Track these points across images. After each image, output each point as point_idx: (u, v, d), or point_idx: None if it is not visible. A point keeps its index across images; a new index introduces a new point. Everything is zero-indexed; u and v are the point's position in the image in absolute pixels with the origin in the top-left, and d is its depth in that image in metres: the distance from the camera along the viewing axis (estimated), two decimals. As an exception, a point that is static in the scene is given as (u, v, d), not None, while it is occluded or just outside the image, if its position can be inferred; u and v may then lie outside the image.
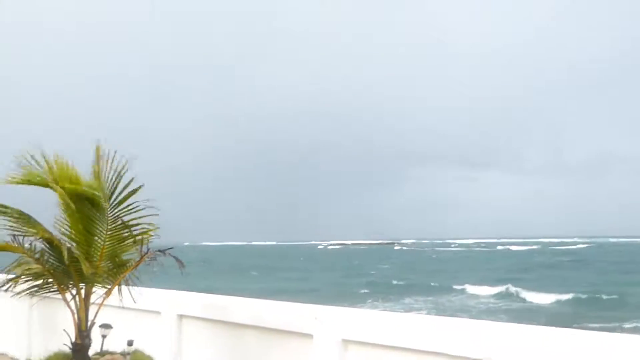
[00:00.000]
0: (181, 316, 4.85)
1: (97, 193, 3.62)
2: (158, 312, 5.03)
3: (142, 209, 3.74)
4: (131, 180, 3.69)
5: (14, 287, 3.55)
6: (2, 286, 3.53)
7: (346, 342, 3.62)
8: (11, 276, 3.59)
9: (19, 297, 3.62)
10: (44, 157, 3.65)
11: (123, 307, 5.02)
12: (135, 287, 4.88)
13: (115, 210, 3.73)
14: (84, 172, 3.76)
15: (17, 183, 3.62)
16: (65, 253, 3.31)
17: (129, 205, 3.74)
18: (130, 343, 3.80)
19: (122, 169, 3.67)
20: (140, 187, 3.69)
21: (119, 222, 3.74)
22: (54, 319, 6.05)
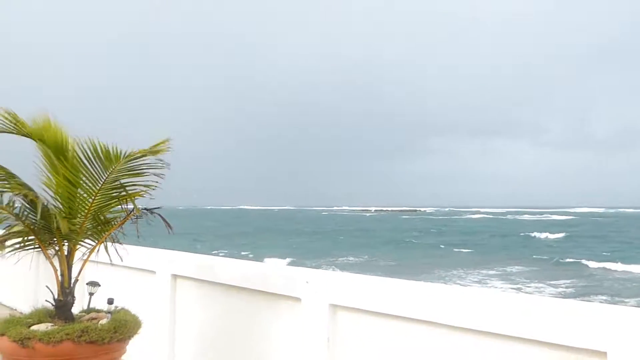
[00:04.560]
0: (175, 276, 4.78)
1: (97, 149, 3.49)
2: (153, 272, 4.97)
3: (145, 175, 3.63)
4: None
5: (1, 250, 3.46)
6: None
7: (334, 307, 3.48)
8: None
9: (4, 256, 3.54)
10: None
11: (119, 266, 4.97)
12: (132, 246, 4.83)
13: (115, 172, 3.59)
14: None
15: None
16: (39, 208, 3.19)
17: (131, 168, 3.61)
18: (110, 301, 3.71)
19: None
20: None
21: (116, 182, 3.61)
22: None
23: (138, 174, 3.53)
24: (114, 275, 5.25)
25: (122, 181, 3.54)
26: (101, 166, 3.48)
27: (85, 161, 3.47)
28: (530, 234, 62.84)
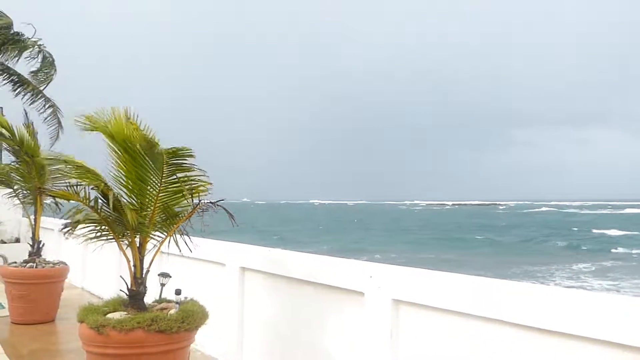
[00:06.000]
0: (244, 268, 4.87)
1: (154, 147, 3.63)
2: (223, 264, 5.09)
3: (195, 170, 3.77)
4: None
5: (72, 231, 3.67)
6: (63, 229, 3.68)
7: (397, 302, 3.40)
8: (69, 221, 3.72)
9: (79, 243, 3.76)
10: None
11: (191, 258, 5.15)
12: (202, 239, 4.98)
13: (171, 166, 3.73)
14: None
15: (89, 129, 3.73)
16: (111, 199, 3.35)
17: (183, 163, 3.74)
18: (178, 292, 3.84)
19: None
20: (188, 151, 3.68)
21: (173, 176, 3.75)
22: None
23: (187, 168, 3.66)
24: (186, 266, 5.44)
25: (178, 175, 3.67)
26: (156, 160, 3.61)
27: (145, 155, 3.61)
28: (628, 231, 58.80)
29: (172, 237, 3.90)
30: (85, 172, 3.56)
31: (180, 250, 3.98)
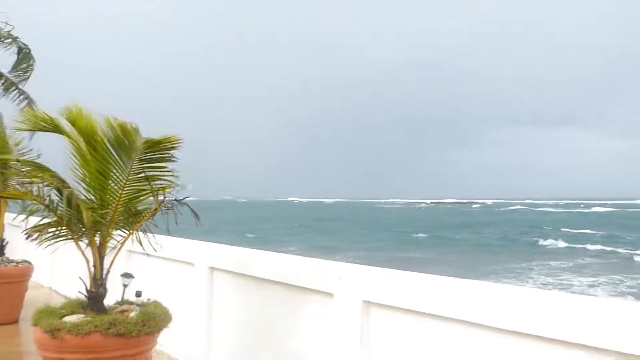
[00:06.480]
0: (212, 268, 4.72)
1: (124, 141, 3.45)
2: (192, 264, 4.93)
3: (167, 169, 3.60)
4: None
5: (29, 234, 3.48)
6: (28, 237, 3.47)
7: (367, 303, 3.29)
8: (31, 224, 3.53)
9: (38, 246, 3.56)
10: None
11: (158, 257, 4.97)
12: (170, 238, 4.81)
13: (142, 163, 3.56)
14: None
15: (24, 130, 3.55)
16: (65, 197, 3.17)
17: (154, 162, 3.57)
18: (138, 294, 3.67)
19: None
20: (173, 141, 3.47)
21: (141, 174, 3.58)
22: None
23: (158, 167, 3.49)
24: (154, 266, 5.27)
25: (149, 173, 3.50)
26: (124, 153, 3.43)
27: (111, 148, 3.43)
28: (599, 230, 59.90)
29: (136, 236, 3.73)
30: (37, 171, 3.37)
31: (144, 250, 3.81)
